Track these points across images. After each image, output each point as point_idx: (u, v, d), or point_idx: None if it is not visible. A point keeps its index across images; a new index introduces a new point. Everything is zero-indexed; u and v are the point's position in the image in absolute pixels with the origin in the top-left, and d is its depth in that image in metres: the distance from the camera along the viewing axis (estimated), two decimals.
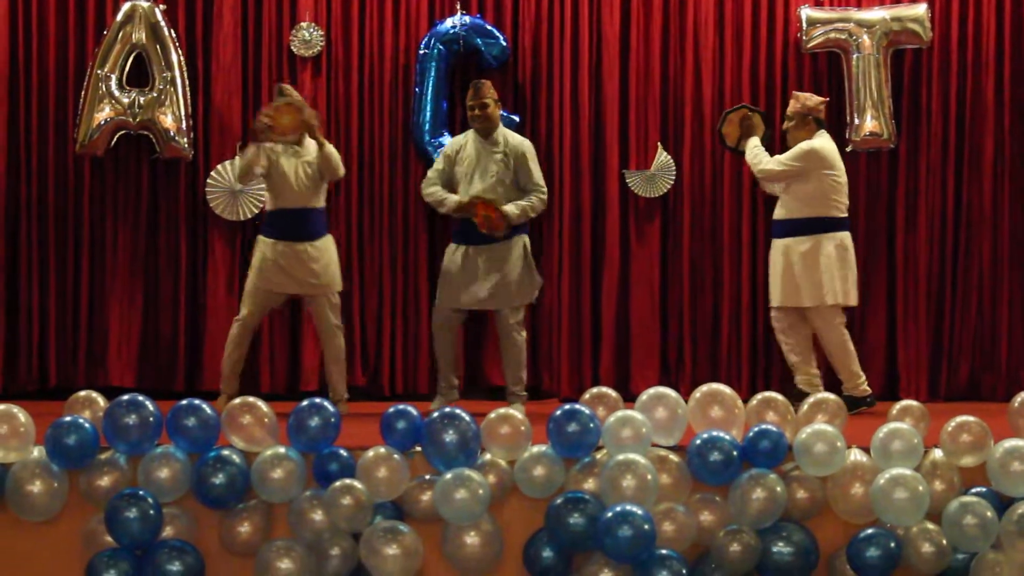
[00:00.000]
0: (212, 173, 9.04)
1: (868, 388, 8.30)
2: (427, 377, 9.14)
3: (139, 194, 9.16)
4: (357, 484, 5.89)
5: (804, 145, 8.17)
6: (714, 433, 6.07)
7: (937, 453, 6.17)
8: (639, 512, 5.76)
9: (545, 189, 8.12)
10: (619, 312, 9.26)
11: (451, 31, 9.05)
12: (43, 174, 9.13)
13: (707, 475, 6.03)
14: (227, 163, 8.97)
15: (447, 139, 8.90)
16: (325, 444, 6.08)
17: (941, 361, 9.25)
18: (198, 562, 5.96)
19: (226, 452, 6.02)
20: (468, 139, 8.18)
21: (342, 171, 8.11)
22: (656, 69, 9.27)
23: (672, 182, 9.19)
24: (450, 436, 6.02)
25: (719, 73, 9.28)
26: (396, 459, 5.98)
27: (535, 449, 6.10)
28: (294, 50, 9.17)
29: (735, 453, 6.01)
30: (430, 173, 8.26)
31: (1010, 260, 9.24)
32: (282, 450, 6.01)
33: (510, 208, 7.90)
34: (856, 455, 6.13)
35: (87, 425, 6.03)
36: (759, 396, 6.46)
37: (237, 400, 6.23)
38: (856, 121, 8.95)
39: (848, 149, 9.04)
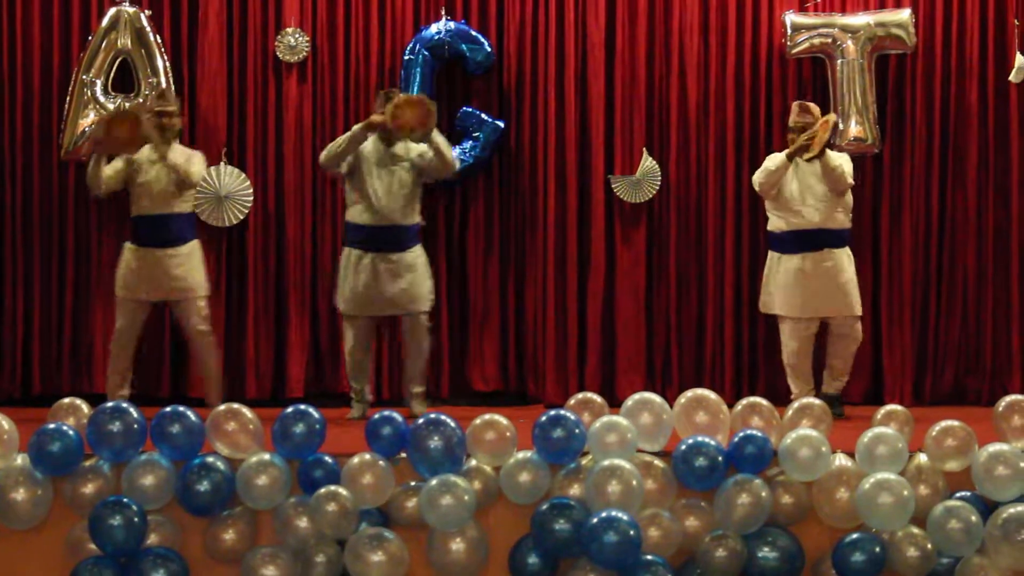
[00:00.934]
0: None
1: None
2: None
3: (124, 200, 9.13)
4: (342, 491, 5.89)
5: (848, 160, 8.34)
6: (699, 438, 6.07)
7: (922, 457, 6.18)
8: (624, 518, 5.76)
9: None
10: (604, 317, 9.26)
11: (436, 37, 9.05)
12: (28, 180, 9.11)
13: (692, 480, 6.04)
14: (212, 169, 8.94)
15: None
16: (310, 451, 6.07)
17: (926, 365, 9.26)
18: (183, 569, 5.94)
19: (211, 459, 6.01)
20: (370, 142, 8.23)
21: (195, 179, 8.17)
22: (641, 74, 9.28)
23: (658, 187, 9.20)
24: (435, 442, 6.02)
25: (704, 78, 9.29)
26: (381, 465, 5.98)
27: (520, 455, 6.10)
28: (279, 55, 9.16)
29: (720, 458, 6.01)
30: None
31: (994, 264, 9.26)
32: (267, 457, 6.01)
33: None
34: (841, 460, 6.14)
35: (71, 432, 6.02)
36: (744, 401, 6.46)
37: (222, 407, 6.22)
38: (840, 126, 8.96)
39: None
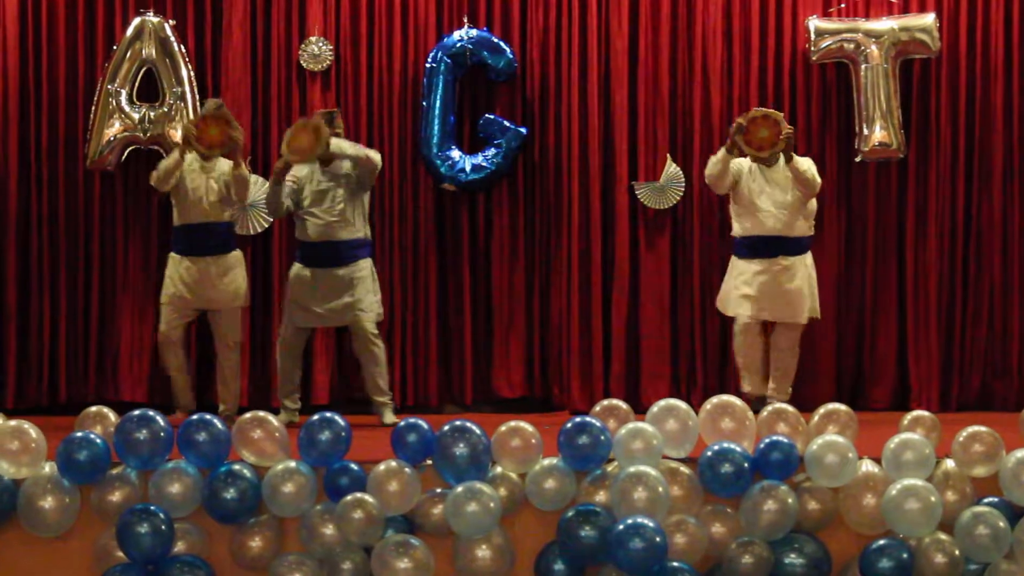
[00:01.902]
0: None
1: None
2: (437, 389, 9.15)
3: (149, 209, 9.17)
4: (368, 498, 5.90)
5: (812, 164, 8.29)
6: (725, 445, 6.07)
7: (949, 463, 6.16)
8: (651, 524, 5.76)
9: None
10: (629, 324, 9.25)
11: (458, 44, 9.06)
12: (54, 189, 9.15)
13: (718, 487, 6.03)
14: None
15: (455, 152, 8.95)
16: (336, 458, 6.08)
17: (952, 371, 9.22)
18: None
19: (237, 467, 6.03)
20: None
21: (248, 198, 8.36)
22: (665, 80, 9.27)
23: (681, 193, 9.18)
24: (461, 449, 6.03)
25: (728, 84, 9.28)
26: (407, 473, 5.99)
27: (546, 462, 6.11)
28: (303, 64, 9.19)
29: (746, 465, 6.00)
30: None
31: (1021, 269, 9.21)
32: (293, 464, 6.02)
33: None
34: (868, 466, 6.12)
35: (98, 440, 6.05)
36: (770, 407, 6.45)
37: (248, 415, 6.23)
38: (865, 131, 8.93)
39: (857, 160, 9.04)
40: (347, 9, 9.24)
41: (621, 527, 5.77)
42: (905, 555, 5.92)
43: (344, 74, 9.26)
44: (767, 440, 6.10)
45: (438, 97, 9.02)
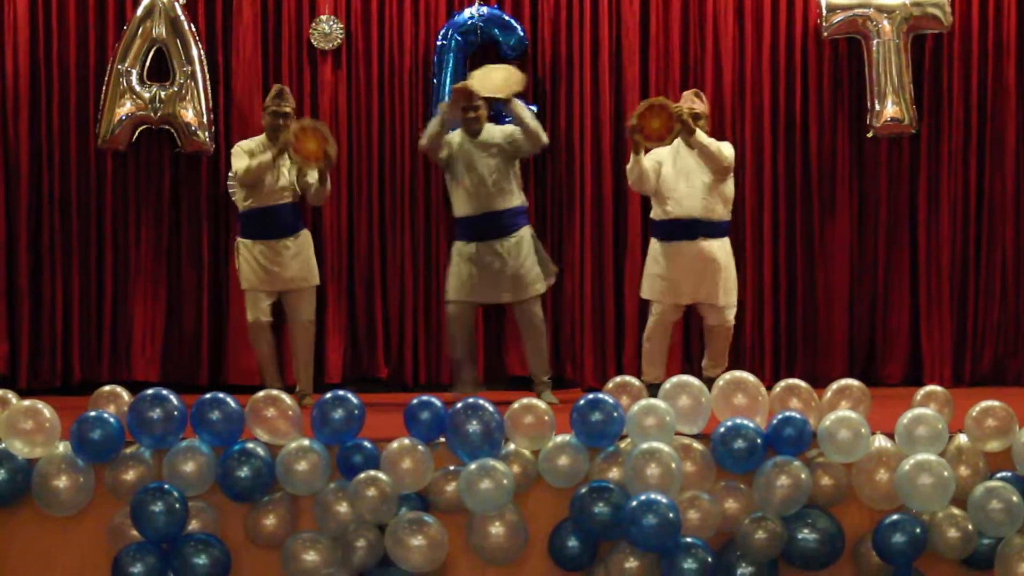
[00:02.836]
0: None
1: None
2: (449, 368, 9.15)
3: (161, 188, 9.19)
4: (382, 476, 5.90)
5: (728, 145, 8.05)
6: (738, 421, 6.05)
7: (962, 438, 6.15)
8: (664, 500, 5.75)
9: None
10: (641, 301, 9.23)
11: (469, 22, 9.06)
12: (65, 169, 9.17)
13: (731, 463, 6.02)
14: None
15: None
16: (349, 436, 6.08)
17: (965, 346, 9.22)
18: (224, 555, 5.97)
19: (251, 445, 6.03)
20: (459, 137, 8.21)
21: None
22: (676, 57, 9.25)
23: None
24: (474, 427, 6.02)
25: (739, 60, 9.27)
26: (420, 450, 5.98)
27: (559, 439, 6.10)
28: (314, 43, 9.19)
29: (759, 440, 5.99)
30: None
31: None
32: (306, 442, 6.02)
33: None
34: (880, 441, 6.11)
35: (112, 420, 6.05)
36: (783, 383, 6.43)
37: (261, 393, 6.24)
38: (877, 107, 8.92)
39: (869, 135, 9.03)
40: None
41: (634, 503, 5.76)
42: (918, 530, 5.91)
43: (355, 52, 9.26)
44: (780, 416, 6.09)
45: (449, 75, 9.02)
